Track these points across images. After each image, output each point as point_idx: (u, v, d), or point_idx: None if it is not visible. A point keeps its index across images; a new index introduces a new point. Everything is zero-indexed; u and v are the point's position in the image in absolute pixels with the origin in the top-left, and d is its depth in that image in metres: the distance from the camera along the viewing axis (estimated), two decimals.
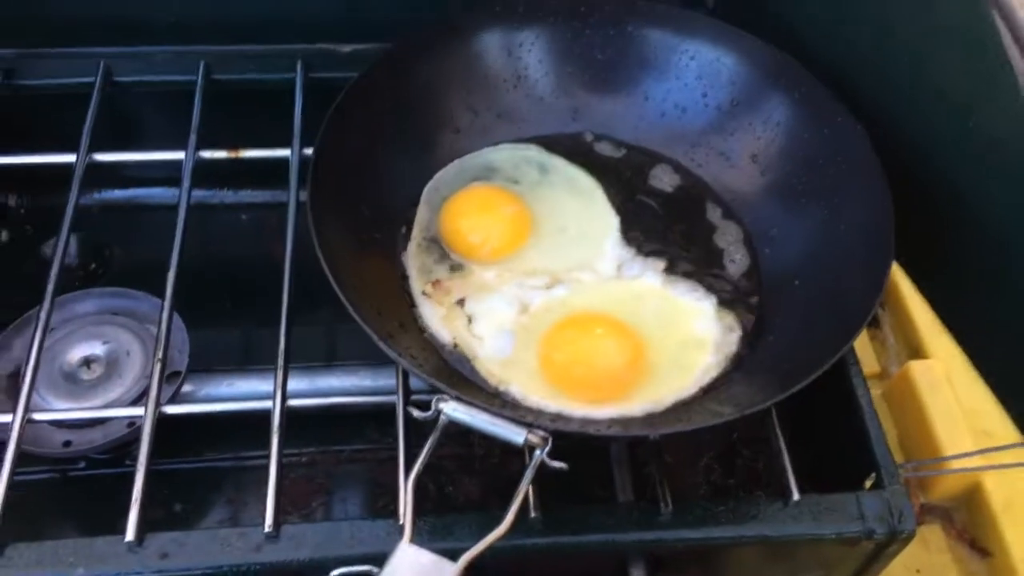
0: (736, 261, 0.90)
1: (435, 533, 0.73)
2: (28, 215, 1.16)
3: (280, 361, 0.80)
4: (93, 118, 0.98)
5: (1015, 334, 0.81)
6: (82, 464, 0.92)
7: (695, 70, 0.96)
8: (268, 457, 0.75)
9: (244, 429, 0.92)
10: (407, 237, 0.89)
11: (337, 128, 0.84)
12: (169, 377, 0.88)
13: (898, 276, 1.04)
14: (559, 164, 0.95)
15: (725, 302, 0.86)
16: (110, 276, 1.11)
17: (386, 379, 0.90)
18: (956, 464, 0.97)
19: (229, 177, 1.18)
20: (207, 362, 0.95)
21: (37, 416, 0.79)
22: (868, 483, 0.80)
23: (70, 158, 0.95)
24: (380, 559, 0.65)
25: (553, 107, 0.99)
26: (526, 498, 0.73)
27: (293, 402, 0.79)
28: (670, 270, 0.88)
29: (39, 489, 0.91)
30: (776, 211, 0.91)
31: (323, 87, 0.98)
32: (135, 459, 0.75)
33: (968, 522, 1.03)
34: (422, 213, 0.91)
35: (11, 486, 0.72)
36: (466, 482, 0.94)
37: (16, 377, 0.89)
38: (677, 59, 0.97)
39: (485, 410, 0.67)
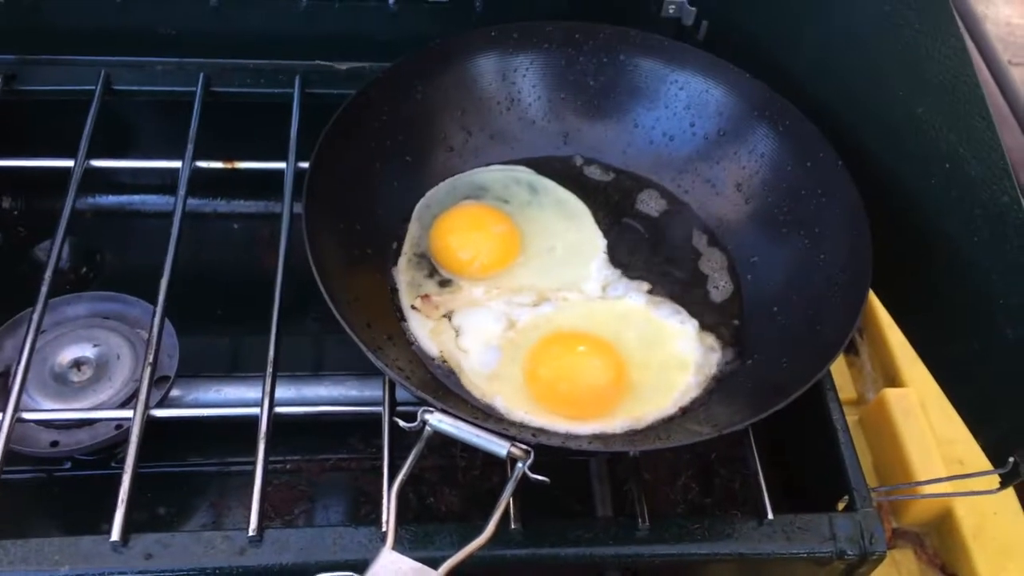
0: (719, 287, 0.92)
1: (416, 542, 0.74)
2: (22, 218, 1.17)
3: (269, 369, 0.81)
4: (92, 125, 0.99)
5: (986, 365, 0.84)
6: (68, 465, 0.93)
7: (684, 100, 0.99)
8: (253, 463, 0.76)
9: (229, 435, 0.94)
10: (398, 252, 0.91)
11: (333, 144, 0.86)
12: (158, 381, 0.89)
13: (876, 306, 1.06)
14: (549, 186, 0.98)
15: (707, 325, 0.88)
16: (101, 280, 1.12)
17: (372, 390, 0.92)
18: (928, 489, 1.00)
19: (222, 187, 1.20)
20: (196, 368, 0.97)
21: (27, 416, 0.80)
22: (841, 505, 0.82)
23: (68, 163, 0.96)
24: (362, 566, 0.66)
25: (545, 130, 1.01)
26: (507, 510, 0.75)
27: (280, 409, 0.81)
28: (654, 292, 0.90)
29: (24, 488, 0.92)
30: (759, 239, 0.94)
31: (320, 103, 1.00)
32: (121, 461, 0.76)
33: (939, 547, 1.05)
34: (413, 229, 0.93)
35: None
36: (447, 493, 0.95)
37: (6, 376, 0.90)
38: (667, 89, 0.99)
39: (470, 422, 0.69)
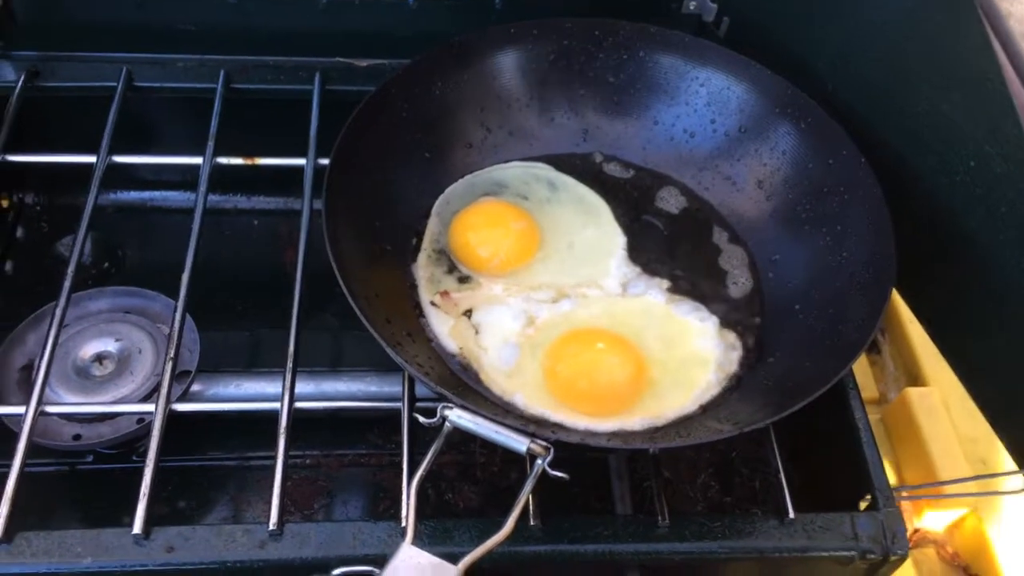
0: (739, 283, 0.92)
1: (435, 537, 0.74)
2: (44, 213, 1.18)
3: (289, 364, 0.82)
4: (114, 121, 1.00)
5: (1010, 364, 0.83)
6: (90, 458, 0.94)
7: (705, 97, 0.98)
8: (274, 457, 0.76)
9: (249, 429, 0.94)
10: (417, 248, 0.91)
11: (353, 140, 0.86)
12: (179, 376, 0.89)
13: (898, 304, 1.06)
14: (568, 182, 0.98)
15: (727, 322, 0.88)
16: (122, 276, 1.13)
17: (391, 386, 0.91)
18: (950, 489, 0.99)
19: (243, 183, 1.21)
20: (216, 363, 0.97)
21: (50, 409, 0.81)
22: (863, 504, 0.81)
23: (90, 159, 0.97)
24: (381, 560, 0.66)
25: (565, 127, 1.01)
26: (526, 506, 0.75)
27: (300, 404, 0.81)
28: (674, 289, 0.90)
29: (47, 481, 0.93)
30: (780, 236, 0.93)
31: (339, 100, 1.00)
32: (142, 455, 0.76)
33: (961, 547, 1.04)
34: (432, 225, 0.93)
35: (22, 477, 0.74)
36: (466, 489, 0.95)
37: (29, 370, 0.91)
38: (687, 85, 0.99)
39: (489, 419, 0.69)
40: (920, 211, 0.88)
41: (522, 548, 0.74)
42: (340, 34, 1.11)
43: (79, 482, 0.95)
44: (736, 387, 0.84)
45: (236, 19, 1.09)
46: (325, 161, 0.86)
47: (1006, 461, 0.88)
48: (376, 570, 0.66)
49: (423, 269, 0.90)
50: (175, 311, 0.84)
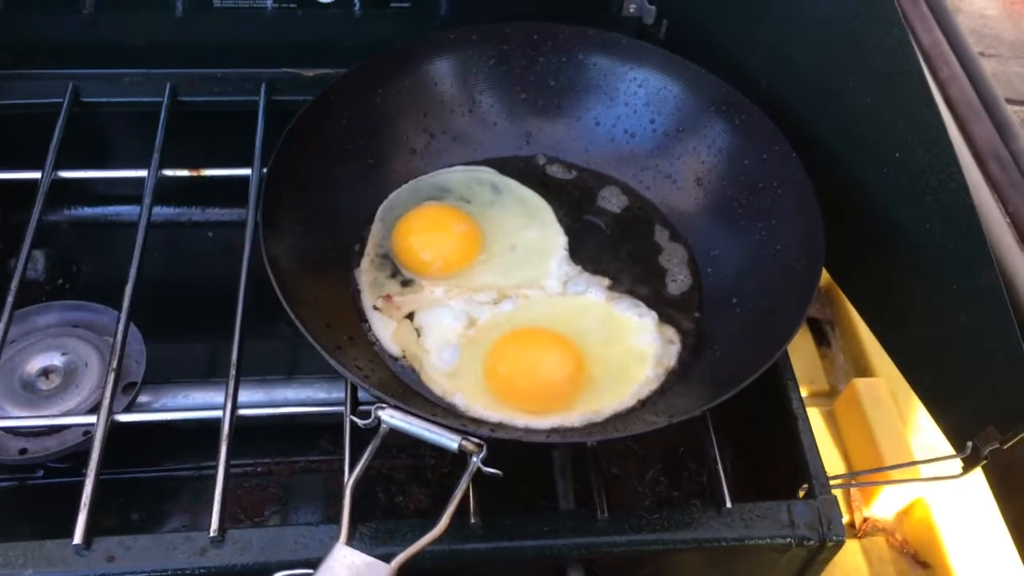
0: (678, 280, 0.93)
1: (376, 538, 0.75)
2: None
3: (232, 371, 0.82)
4: (59, 137, 1.01)
5: (943, 351, 0.84)
6: (40, 473, 0.94)
7: (643, 97, 1.00)
8: (215, 465, 0.77)
9: (204, 440, 0.94)
10: (360, 253, 0.92)
11: (292, 148, 0.87)
12: (125, 388, 0.90)
13: (846, 297, 1.07)
14: (511, 185, 0.99)
15: (666, 318, 0.89)
16: (77, 291, 1.13)
17: (339, 391, 0.92)
18: (893, 476, 1.00)
19: (196, 196, 1.21)
20: (170, 375, 0.97)
21: None
22: (801, 493, 0.82)
23: (36, 175, 0.97)
24: None
25: (508, 131, 1.02)
26: (467, 504, 0.76)
27: (244, 411, 0.82)
28: (614, 287, 0.91)
29: None
30: (718, 232, 0.95)
31: (286, 110, 1.00)
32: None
33: (910, 535, 1.05)
34: (376, 230, 0.94)
35: None
36: (416, 492, 0.96)
37: None
38: (626, 87, 1.00)
39: (420, 417, 0.70)
40: (854, 204, 0.89)
41: (463, 546, 0.75)
42: (286, 44, 1.12)
43: (29, 497, 0.95)
44: (675, 381, 0.85)
45: (182, 32, 1.10)
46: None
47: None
48: (314, 572, 0.67)
49: (366, 274, 0.91)
50: (118, 322, 0.85)
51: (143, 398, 0.92)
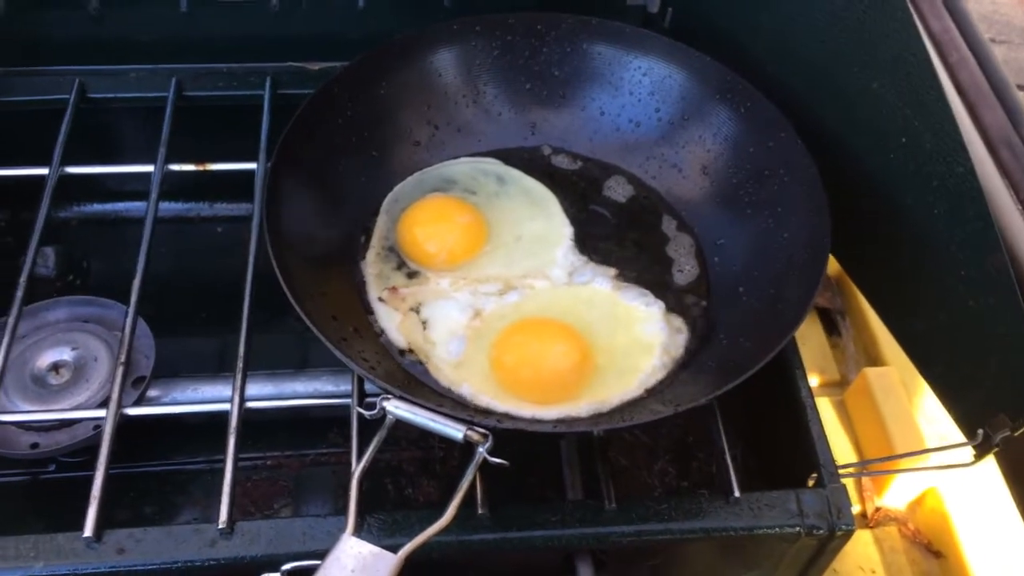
0: (684, 270, 0.93)
1: (384, 529, 0.75)
2: (9, 229, 1.19)
3: (239, 364, 0.83)
4: (66, 133, 1.01)
5: (953, 338, 0.84)
6: (52, 467, 0.95)
7: (648, 86, 1.00)
8: (223, 459, 0.77)
9: (215, 434, 0.94)
10: (366, 246, 0.92)
11: (295, 142, 0.87)
12: (134, 382, 0.91)
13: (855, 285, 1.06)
14: (516, 176, 0.99)
15: (673, 307, 0.89)
16: (87, 287, 1.14)
17: (347, 384, 0.92)
18: (904, 464, 1.00)
19: (205, 191, 1.22)
20: (180, 369, 0.98)
21: (3, 417, 0.82)
22: (810, 482, 0.82)
23: (43, 171, 0.98)
24: None
25: (512, 122, 1.02)
26: (474, 496, 0.76)
27: (252, 404, 0.82)
28: (620, 276, 0.91)
29: (9, 491, 0.94)
30: (725, 220, 0.94)
31: (291, 103, 1.00)
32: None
33: (922, 524, 1.05)
34: (381, 223, 0.94)
35: None
36: (425, 484, 0.96)
37: None
38: (631, 75, 1.00)
39: (426, 407, 0.70)
40: (860, 190, 0.89)
41: (471, 537, 0.75)
42: (291, 38, 1.12)
43: (42, 491, 0.96)
44: (682, 370, 0.85)
45: (188, 28, 1.11)
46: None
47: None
48: (321, 563, 0.67)
49: (372, 266, 0.91)
50: (126, 316, 0.85)
51: (152, 392, 0.92)
